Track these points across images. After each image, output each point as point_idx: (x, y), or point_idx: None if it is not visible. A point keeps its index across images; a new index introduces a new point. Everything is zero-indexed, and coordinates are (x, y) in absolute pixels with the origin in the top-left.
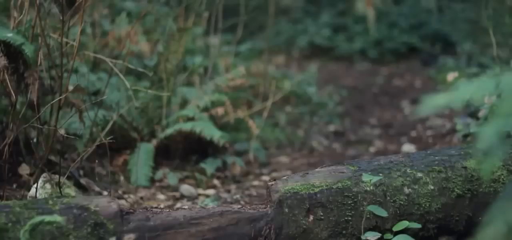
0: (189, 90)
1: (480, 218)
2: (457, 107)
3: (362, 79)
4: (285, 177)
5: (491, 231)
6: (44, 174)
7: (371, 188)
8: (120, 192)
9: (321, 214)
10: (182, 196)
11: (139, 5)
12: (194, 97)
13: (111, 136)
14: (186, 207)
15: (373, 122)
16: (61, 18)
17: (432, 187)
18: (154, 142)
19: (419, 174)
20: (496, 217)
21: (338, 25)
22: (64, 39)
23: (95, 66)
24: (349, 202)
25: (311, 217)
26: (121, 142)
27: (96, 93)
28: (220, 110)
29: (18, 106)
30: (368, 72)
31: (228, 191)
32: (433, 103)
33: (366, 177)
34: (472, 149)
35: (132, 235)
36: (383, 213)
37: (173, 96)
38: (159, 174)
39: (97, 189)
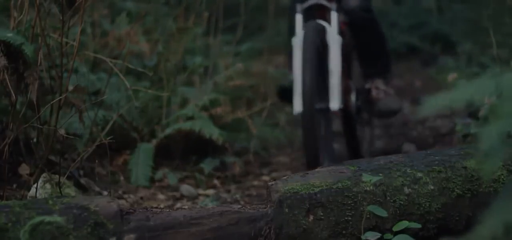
0: (189, 89)
1: (480, 218)
2: (457, 107)
3: None
4: (285, 177)
5: (487, 229)
6: (44, 174)
7: (371, 188)
8: (120, 192)
9: (321, 214)
10: (182, 196)
11: (139, 5)
12: (194, 97)
13: (111, 136)
14: (186, 207)
15: (373, 122)
16: (61, 18)
17: (432, 187)
18: (154, 142)
19: (419, 174)
20: (493, 216)
21: None
22: (64, 39)
23: (95, 66)
24: (349, 202)
25: (311, 217)
26: (121, 142)
27: (96, 93)
28: (219, 110)
29: (18, 106)
30: None
31: (228, 191)
32: (434, 103)
33: (366, 177)
34: (472, 149)
35: (132, 235)
36: (383, 213)
37: (173, 96)
38: (159, 174)
39: (97, 189)
